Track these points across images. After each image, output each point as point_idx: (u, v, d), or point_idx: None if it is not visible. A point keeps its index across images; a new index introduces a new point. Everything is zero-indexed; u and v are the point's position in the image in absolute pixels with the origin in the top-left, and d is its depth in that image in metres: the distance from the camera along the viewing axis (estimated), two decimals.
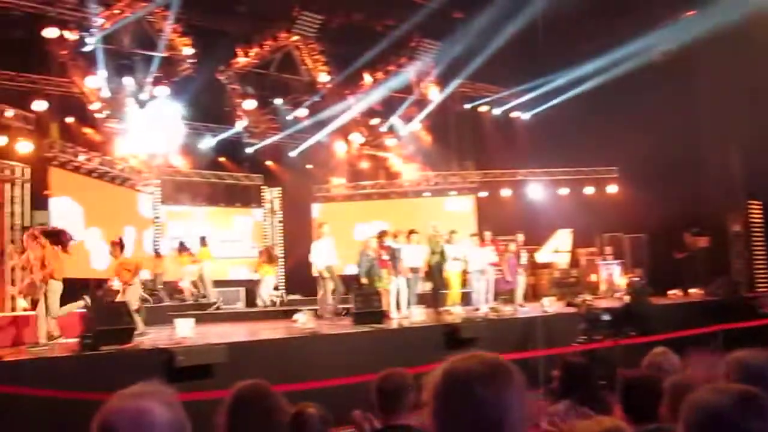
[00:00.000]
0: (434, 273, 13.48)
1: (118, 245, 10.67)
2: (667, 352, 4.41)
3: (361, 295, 11.37)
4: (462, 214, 20.23)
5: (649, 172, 18.16)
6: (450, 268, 13.69)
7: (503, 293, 15.01)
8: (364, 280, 12.28)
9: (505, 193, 21.10)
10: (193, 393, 5.82)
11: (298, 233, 19.46)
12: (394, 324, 11.37)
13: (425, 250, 13.33)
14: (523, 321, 11.81)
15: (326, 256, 12.34)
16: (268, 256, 16.52)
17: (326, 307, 12.45)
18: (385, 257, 12.55)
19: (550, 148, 20.11)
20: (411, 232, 13.30)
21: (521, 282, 15.01)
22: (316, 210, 20.75)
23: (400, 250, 12.87)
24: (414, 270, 13.05)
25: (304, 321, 10.13)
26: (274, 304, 16.14)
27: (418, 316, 11.36)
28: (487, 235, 14.67)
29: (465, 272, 14.16)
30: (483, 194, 20.85)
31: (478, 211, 20.36)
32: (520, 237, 15.26)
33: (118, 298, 10.05)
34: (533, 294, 18.50)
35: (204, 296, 16.47)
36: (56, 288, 9.03)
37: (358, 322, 10.74)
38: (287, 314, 11.59)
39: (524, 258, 15.10)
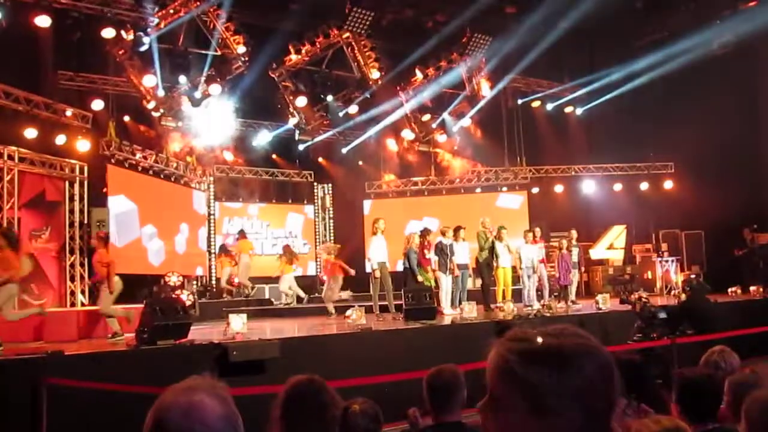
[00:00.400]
0: (482, 269, 13.49)
1: (102, 239, 10.40)
2: (725, 350, 4.34)
3: (413, 292, 11.38)
4: (514, 210, 20.31)
5: (707, 167, 18.03)
6: (500, 264, 13.63)
7: (556, 290, 15.02)
8: (419, 278, 12.41)
9: (558, 189, 20.97)
10: (246, 388, 5.88)
11: (349, 230, 19.79)
12: (446, 320, 11.36)
13: (473, 246, 13.45)
14: (576, 318, 11.66)
15: (380, 253, 12.38)
16: (289, 255, 16.54)
17: (378, 304, 12.47)
18: (429, 255, 12.65)
19: (604, 144, 20.21)
20: (458, 228, 13.31)
21: (575, 279, 14.94)
22: (368, 206, 20.88)
23: (449, 246, 12.92)
24: (462, 267, 13.16)
25: (356, 317, 10.14)
26: (288, 304, 16.25)
27: (470, 312, 11.32)
28: (537, 231, 14.73)
29: (516, 269, 14.09)
30: (535, 190, 20.82)
31: (530, 208, 20.34)
32: (574, 233, 15.23)
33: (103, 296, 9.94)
34: (587, 291, 18.54)
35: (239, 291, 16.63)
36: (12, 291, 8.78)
37: (410, 318, 10.77)
38: (341, 311, 11.58)
39: (576, 254, 14.99)
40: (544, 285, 14.20)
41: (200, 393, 1.44)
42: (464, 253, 13.28)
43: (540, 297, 14.08)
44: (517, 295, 14.14)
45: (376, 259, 12.20)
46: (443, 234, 13.15)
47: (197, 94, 15.56)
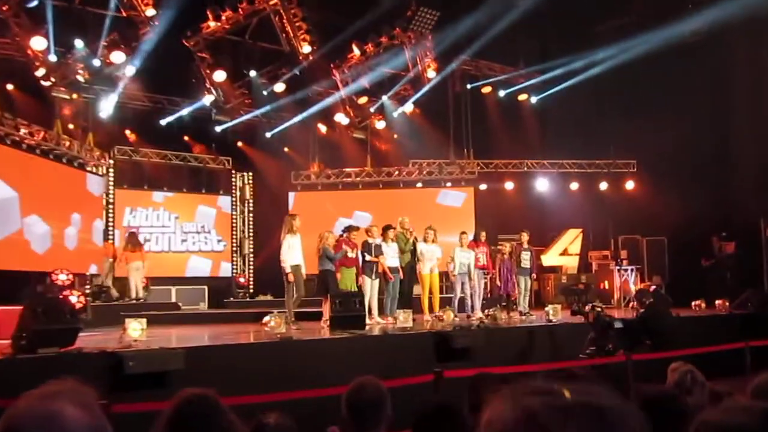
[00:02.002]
0: (404, 274, 13.74)
1: None
2: (693, 369, 4.42)
3: (341, 297, 11.46)
4: (455, 209, 20.64)
5: (673, 167, 18.40)
6: (423, 269, 13.90)
7: (502, 299, 15.17)
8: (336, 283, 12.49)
9: (509, 186, 21.35)
10: (145, 403, 5.75)
11: (271, 225, 19.04)
12: (376, 330, 11.48)
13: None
14: (523, 330, 11.84)
15: (294, 254, 12.30)
16: (133, 244, 16.66)
17: (293, 312, 12.53)
18: (351, 255, 12.76)
19: (561, 137, 20.55)
20: (387, 227, 13.52)
21: (525, 287, 15.11)
22: (293, 199, 20.92)
23: (377, 247, 13.06)
24: (393, 270, 13.34)
25: (275, 325, 10.05)
26: (138, 299, 16.40)
27: (405, 321, 11.28)
28: (482, 235, 14.93)
29: (448, 274, 14.47)
30: (483, 187, 21.12)
31: (476, 206, 20.60)
32: (525, 236, 15.32)
33: None
34: (537, 301, 18.66)
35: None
36: None
37: (337, 327, 10.79)
38: (258, 317, 11.50)
39: (528, 259, 15.09)
40: (476, 293, 14.43)
41: (61, 400, 1.38)
42: (395, 255, 13.45)
43: (472, 307, 14.34)
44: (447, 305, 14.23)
45: (289, 262, 12.14)
46: (368, 233, 13.34)
47: (96, 62, 15.27)
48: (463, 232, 14.69)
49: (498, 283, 14.99)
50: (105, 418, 1.41)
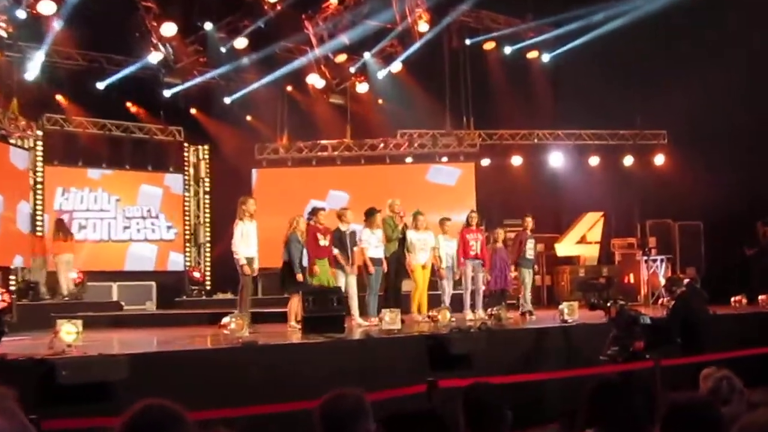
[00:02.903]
0: (390, 267, 13.86)
1: None
2: (729, 375, 4.50)
3: (315, 295, 11.53)
4: (450, 187, 20.78)
5: (710, 139, 18.15)
6: (413, 260, 14.09)
7: (502, 296, 15.23)
8: (299, 276, 12.57)
9: (516, 161, 21.36)
10: (82, 419, 5.84)
11: (230, 209, 18.54)
12: (357, 334, 11.56)
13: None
14: (533, 333, 11.95)
15: (249, 244, 12.46)
16: (65, 232, 16.86)
17: (248, 311, 12.65)
18: (324, 243, 12.88)
19: (579, 103, 20.11)
20: (371, 212, 13.62)
21: (527, 281, 15.29)
22: (257, 178, 20.99)
23: (351, 234, 13.24)
24: (377, 262, 13.47)
25: (235, 327, 10.06)
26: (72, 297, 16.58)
27: (392, 323, 11.27)
28: (473, 217, 14.92)
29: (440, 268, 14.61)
30: (485, 162, 21.23)
31: (477, 185, 20.62)
32: (529, 221, 15.51)
33: None
34: (550, 298, 19.27)
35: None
36: None
37: (310, 330, 10.90)
38: (216, 318, 11.54)
39: (531, 248, 15.27)
40: (477, 290, 14.67)
41: None
42: (379, 243, 13.60)
43: (473, 306, 14.59)
44: (458, 303, 14.54)
45: (243, 253, 12.27)
46: (340, 218, 13.44)
47: (21, 13, 15.11)
48: (445, 218, 14.93)
49: (488, 277, 15.03)
50: (30, 425, 1.45)
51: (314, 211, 13.37)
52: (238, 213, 12.43)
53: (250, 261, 12.28)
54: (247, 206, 12.48)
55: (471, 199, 20.08)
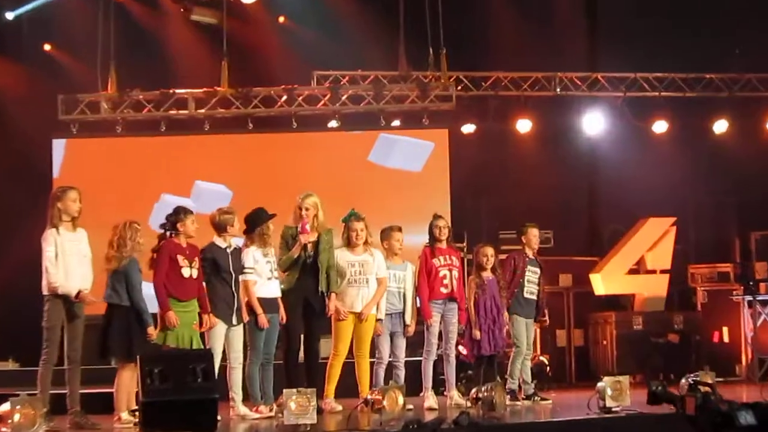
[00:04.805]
0: (293, 313, 13.22)
1: None
2: None
3: (162, 363, 10.79)
4: (414, 175, 19.97)
5: None
6: (346, 303, 13.47)
7: (490, 360, 14.71)
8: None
9: (523, 126, 20.56)
10: None
11: (16, 207, 18.82)
12: None
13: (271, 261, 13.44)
14: (548, 429, 11.66)
15: (72, 269, 11.83)
16: None
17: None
18: (188, 271, 12.50)
19: (631, 32, 20.31)
20: (255, 216, 13.16)
21: (528, 341, 14.76)
22: (62, 154, 19.76)
23: (235, 254, 12.91)
24: (269, 306, 12.99)
25: (22, 423, 9.97)
26: None
27: (300, 414, 10.46)
28: (442, 224, 14.33)
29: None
30: (468, 129, 20.73)
31: (454, 169, 19.74)
32: (533, 232, 14.96)
33: None
34: (580, 369, 19.30)
35: None
36: None
37: (154, 427, 10.27)
38: None
39: (535, 284, 14.76)
40: (450, 354, 14.22)
41: None
42: (272, 273, 13.21)
43: (447, 384, 14.21)
44: (416, 377, 14.26)
45: (65, 282, 11.63)
46: (217, 228, 12.87)
47: None
48: (393, 228, 14.26)
49: (477, 332, 14.40)
50: None
51: (177, 217, 12.62)
52: (49, 217, 11.81)
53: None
54: (65, 204, 11.85)
55: (442, 194, 19.20)
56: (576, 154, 20.87)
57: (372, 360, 13.77)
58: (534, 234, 14.80)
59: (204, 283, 12.56)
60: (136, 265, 12.06)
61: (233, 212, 13.04)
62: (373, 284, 13.46)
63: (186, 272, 12.26)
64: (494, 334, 14.22)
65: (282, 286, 13.18)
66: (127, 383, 11.84)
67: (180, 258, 12.26)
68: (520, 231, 14.91)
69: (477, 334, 14.13)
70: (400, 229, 13.93)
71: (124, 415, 11.80)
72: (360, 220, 13.46)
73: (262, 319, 12.64)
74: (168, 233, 12.42)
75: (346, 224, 13.52)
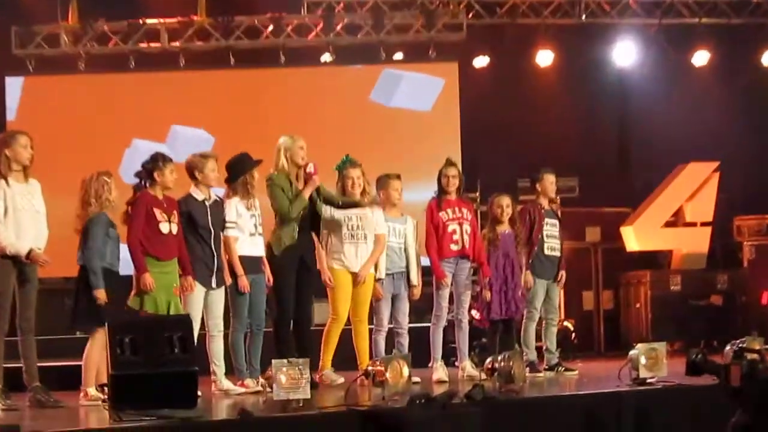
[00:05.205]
0: (283, 275, 13.19)
1: None
2: None
3: (135, 331, 10.38)
4: (420, 115, 19.81)
5: None
6: (339, 262, 13.51)
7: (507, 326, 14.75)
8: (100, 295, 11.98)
9: (544, 58, 20.29)
10: None
11: None
12: (222, 411, 11.40)
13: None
14: (577, 406, 11.20)
15: (24, 226, 11.70)
16: None
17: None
18: (166, 227, 12.44)
19: None
20: (237, 163, 13.09)
21: (552, 303, 14.74)
22: (18, 94, 19.61)
23: (215, 207, 12.87)
24: (252, 266, 12.97)
25: None
26: None
27: (292, 389, 10.29)
28: (453, 177, 14.18)
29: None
30: (481, 62, 20.48)
31: (464, 108, 19.46)
32: (549, 179, 14.82)
33: None
34: (610, 336, 19.22)
35: None
36: None
37: (124, 404, 9.93)
38: None
39: (555, 238, 14.77)
40: (462, 319, 14.12)
41: None
42: (256, 230, 13.13)
43: (458, 356, 14.15)
44: (423, 346, 14.06)
45: (13, 246, 11.47)
46: (195, 179, 12.70)
47: None
48: (390, 176, 14.17)
49: (488, 293, 14.34)
50: None
51: (154, 165, 12.46)
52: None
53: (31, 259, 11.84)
54: (14, 152, 11.74)
55: (451, 138, 19.09)
56: (604, 91, 20.63)
57: (370, 327, 13.64)
58: (550, 181, 14.58)
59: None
60: (100, 220, 11.72)
61: (210, 156, 12.73)
62: (372, 241, 13.38)
63: (164, 228, 12.06)
64: (507, 296, 14.13)
65: (274, 244, 12.99)
66: (98, 355, 11.54)
67: (157, 212, 12.06)
68: (533, 178, 14.76)
69: (487, 296, 14.01)
70: (398, 177, 13.78)
71: (92, 391, 11.54)
72: (356, 167, 13.29)
73: (243, 281, 12.49)
74: (143, 183, 12.18)
75: (340, 172, 13.42)
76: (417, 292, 13.86)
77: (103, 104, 19.16)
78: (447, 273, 13.65)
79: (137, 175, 12.23)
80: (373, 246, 13.36)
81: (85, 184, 11.84)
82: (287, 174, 13.06)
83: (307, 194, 12.93)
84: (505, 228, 14.18)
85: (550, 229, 14.50)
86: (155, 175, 12.05)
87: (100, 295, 11.48)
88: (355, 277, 13.23)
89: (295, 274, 13.16)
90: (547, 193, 14.54)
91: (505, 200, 14.25)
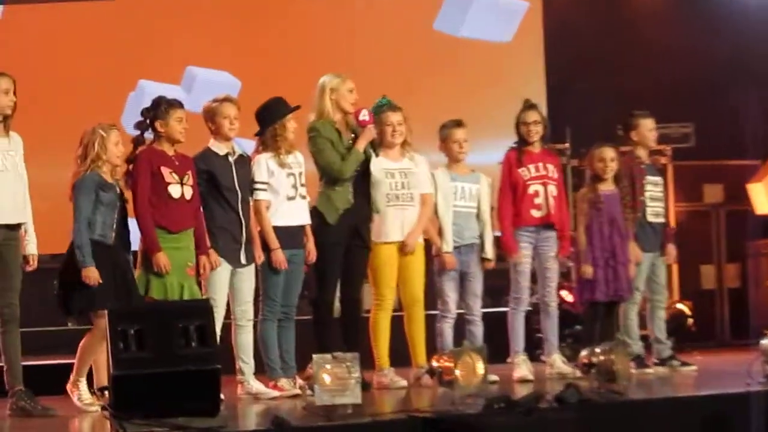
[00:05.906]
0: (330, 250, 13.02)
1: None
2: None
3: (142, 321, 10.34)
4: (501, 49, 19.79)
5: None
6: (385, 233, 13.37)
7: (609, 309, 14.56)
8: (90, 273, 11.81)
9: None
10: None
11: None
12: (251, 419, 11.23)
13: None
14: (693, 409, 11.09)
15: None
16: None
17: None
18: (177, 190, 12.20)
19: None
20: (270, 108, 12.80)
21: (659, 281, 14.60)
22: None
23: (242, 163, 12.62)
24: (290, 238, 12.78)
25: None
26: None
27: (339, 393, 10.20)
28: (534, 124, 14.06)
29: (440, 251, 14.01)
30: None
31: (549, 42, 19.72)
32: (648, 124, 14.66)
33: None
34: (737, 321, 19.03)
35: None
36: None
37: (128, 413, 9.61)
38: None
39: (658, 201, 14.65)
40: (549, 302, 14.00)
41: None
42: (295, 192, 12.87)
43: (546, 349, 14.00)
44: (499, 336, 14.17)
45: None
46: (216, 129, 12.38)
47: None
48: (450, 124, 14.04)
49: (588, 269, 14.15)
50: None
51: (156, 111, 12.13)
52: None
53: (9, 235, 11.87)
54: None
55: (534, 76, 19.17)
56: (725, 15, 19.72)
57: (434, 312, 13.46)
58: (648, 127, 14.40)
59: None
60: (85, 184, 11.39)
61: (231, 99, 12.37)
62: (419, 203, 13.38)
63: (175, 191, 11.71)
64: (614, 272, 13.81)
65: (330, 209, 12.77)
66: (97, 347, 11.22)
67: (166, 171, 11.73)
68: (626, 124, 14.55)
69: (589, 271, 13.75)
70: (460, 124, 13.51)
71: (83, 387, 11.28)
72: (396, 111, 13.16)
73: (278, 255, 12.13)
74: (143, 135, 11.88)
75: (378, 110, 13.26)
76: (490, 266, 13.68)
77: (100, 38, 18.77)
78: (525, 245, 13.48)
79: (137, 125, 11.87)
80: (420, 209, 13.22)
81: (82, 138, 11.58)
82: (333, 122, 12.81)
83: (361, 147, 12.71)
84: (608, 187, 13.90)
85: (653, 188, 14.30)
86: (157, 124, 11.78)
87: (90, 273, 11.09)
88: (403, 247, 13.03)
89: (346, 248, 12.96)
90: (645, 142, 14.40)
91: (609, 153, 13.94)
